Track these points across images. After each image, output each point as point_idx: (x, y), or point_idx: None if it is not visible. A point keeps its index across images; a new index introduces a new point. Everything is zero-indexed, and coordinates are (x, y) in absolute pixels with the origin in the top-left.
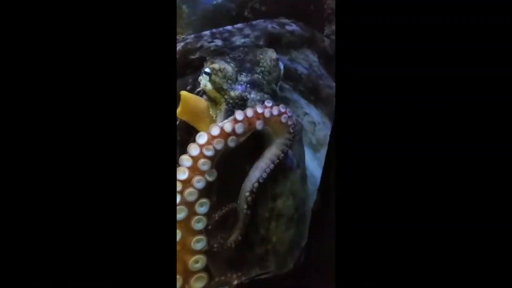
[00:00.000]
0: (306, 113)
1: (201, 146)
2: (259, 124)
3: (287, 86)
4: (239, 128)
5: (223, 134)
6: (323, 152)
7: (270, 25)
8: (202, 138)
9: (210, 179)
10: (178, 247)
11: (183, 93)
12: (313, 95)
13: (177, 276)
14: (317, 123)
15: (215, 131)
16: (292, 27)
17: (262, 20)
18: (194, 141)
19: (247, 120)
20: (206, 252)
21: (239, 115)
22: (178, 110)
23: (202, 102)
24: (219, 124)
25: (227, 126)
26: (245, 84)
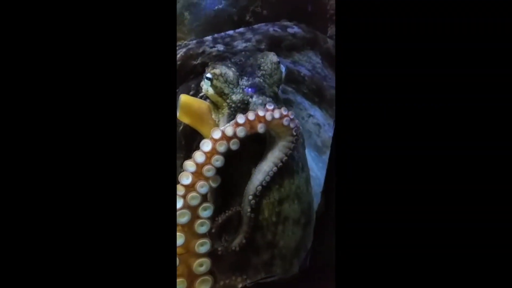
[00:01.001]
0: (310, 115)
1: (206, 153)
2: (260, 127)
3: (290, 89)
4: (241, 132)
5: (225, 138)
6: (329, 154)
7: (272, 28)
8: (206, 145)
9: (214, 185)
10: (182, 251)
11: (183, 97)
12: (317, 96)
13: (182, 280)
14: (322, 125)
15: (217, 134)
16: (294, 29)
17: (264, 23)
18: (198, 148)
19: (248, 123)
20: (210, 255)
21: (240, 118)
22: (178, 114)
23: (205, 104)
24: (221, 128)
25: (228, 130)
26: (248, 87)
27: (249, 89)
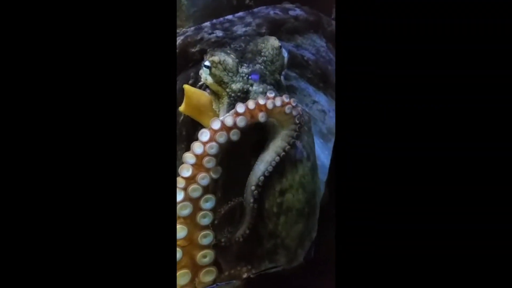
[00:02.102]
0: (315, 101)
1: (204, 143)
2: (261, 116)
3: (293, 74)
4: (241, 122)
5: (225, 129)
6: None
7: (273, 12)
8: (204, 135)
9: (214, 176)
10: (185, 243)
11: (186, 87)
12: (322, 81)
13: (186, 271)
14: (327, 111)
15: (216, 125)
16: (296, 12)
17: (264, 6)
18: (197, 138)
19: (249, 112)
20: (214, 246)
21: (240, 108)
22: (182, 105)
23: (204, 96)
24: (220, 118)
25: (228, 120)
26: (251, 74)
27: (253, 76)
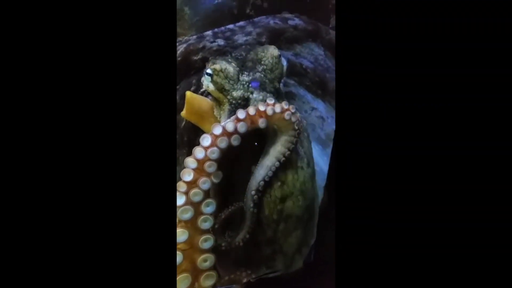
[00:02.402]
0: (313, 108)
1: (206, 148)
2: (261, 122)
3: (292, 82)
4: (242, 127)
5: (226, 134)
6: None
7: (272, 21)
8: (206, 140)
9: (215, 180)
10: (186, 246)
11: (188, 93)
12: (320, 89)
13: (186, 275)
14: (325, 118)
15: (217, 130)
16: (295, 21)
17: (264, 16)
18: (198, 143)
19: (249, 118)
20: (214, 250)
21: (241, 114)
22: (184, 111)
23: (206, 102)
24: (222, 124)
25: (229, 125)
26: (252, 82)
27: (254, 83)
